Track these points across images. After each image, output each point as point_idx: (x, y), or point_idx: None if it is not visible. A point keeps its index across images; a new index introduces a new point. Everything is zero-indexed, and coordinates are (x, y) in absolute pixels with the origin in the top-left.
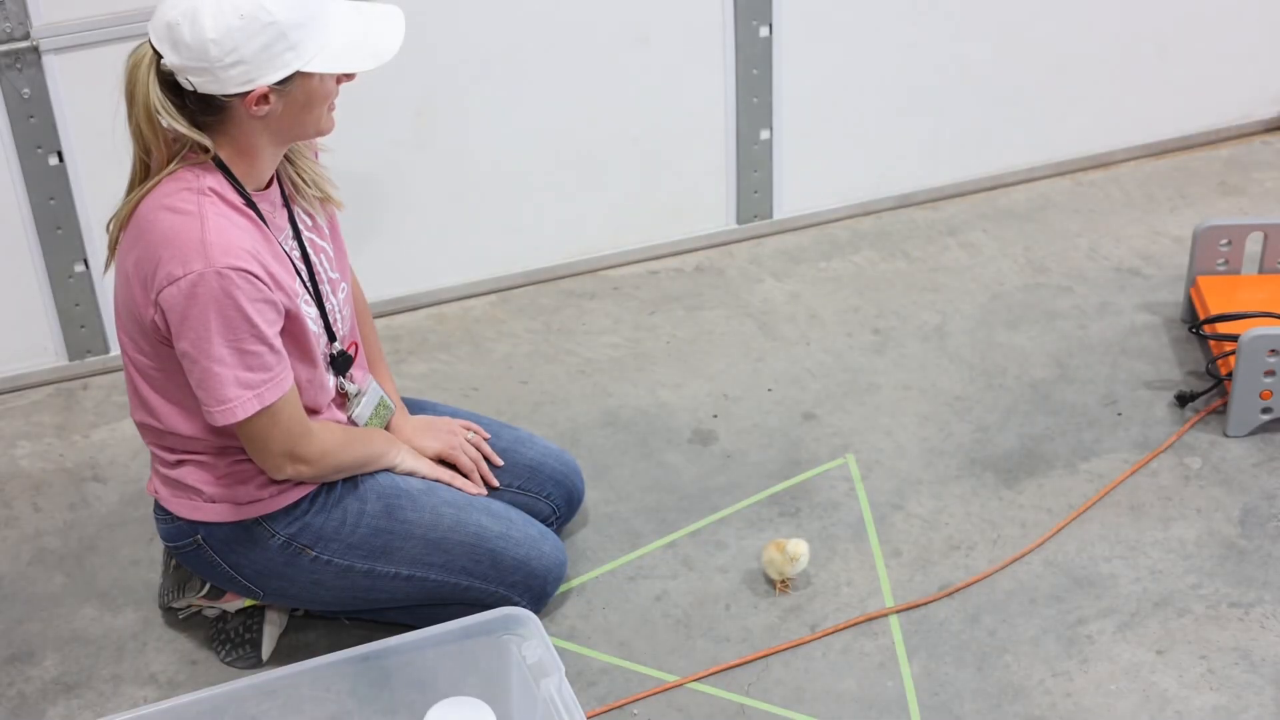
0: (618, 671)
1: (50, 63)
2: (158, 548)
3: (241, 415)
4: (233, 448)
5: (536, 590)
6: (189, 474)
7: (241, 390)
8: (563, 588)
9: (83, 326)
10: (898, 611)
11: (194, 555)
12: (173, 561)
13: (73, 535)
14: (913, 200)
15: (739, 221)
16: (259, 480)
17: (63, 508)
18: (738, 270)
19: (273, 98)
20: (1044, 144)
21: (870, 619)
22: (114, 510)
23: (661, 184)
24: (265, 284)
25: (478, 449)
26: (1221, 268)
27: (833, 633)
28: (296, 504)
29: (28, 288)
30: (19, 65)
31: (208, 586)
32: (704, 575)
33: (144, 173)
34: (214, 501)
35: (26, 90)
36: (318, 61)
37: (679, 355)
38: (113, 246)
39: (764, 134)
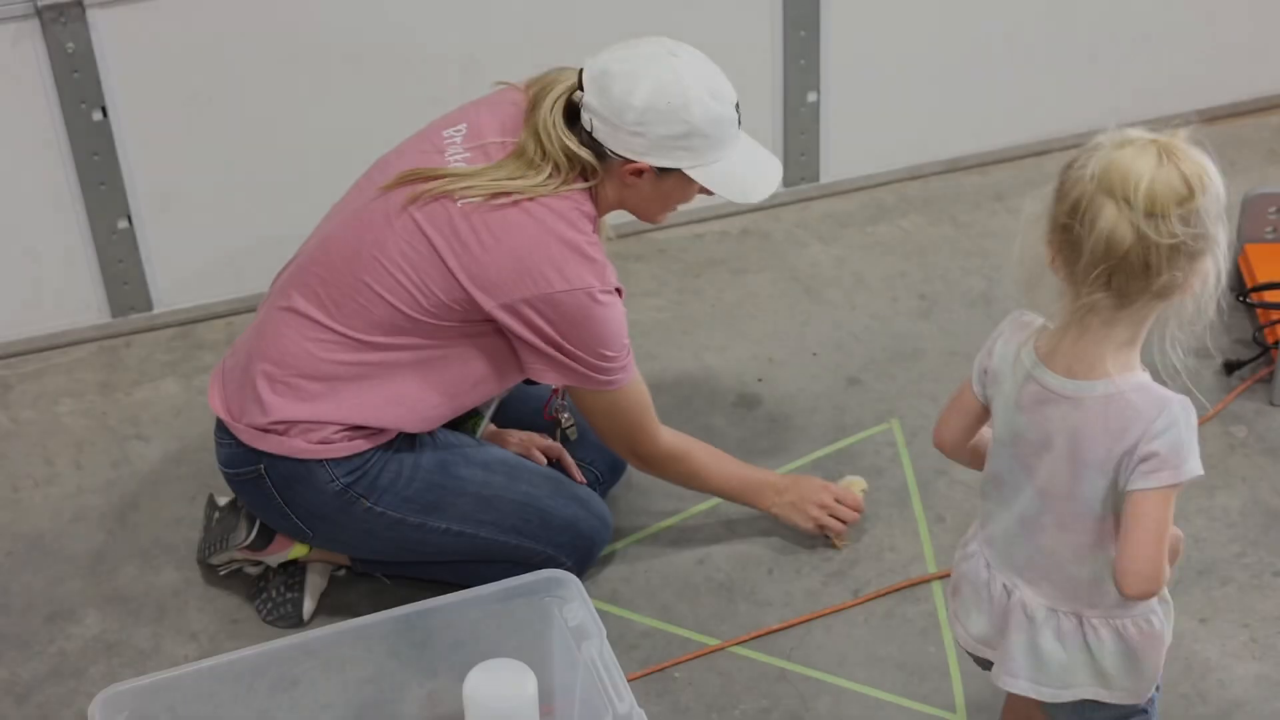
0: (659, 635)
1: (95, 17)
2: (199, 506)
3: (626, 379)
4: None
5: (583, 551)
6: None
7: (617, 364)
8: (605, 551)
9: (126, 283)
10: (941, 577)
11: (251, 485)
12: (215, 515)
13: (114, 493)
14: (961, 165)
15: (785, 185)
16: (339, 426)
17: (105, 465)
18: (784, 234)
19: (647, 176)
20: (1092, 109)
21: (913, 584)
22: (156, 468)
23: None
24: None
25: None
26: (1270, 236)
27: (875, 598)
28: (360, 454)
29: (71, 244)
30: (64, 19)
31: (252, 536)
32: (746, 539)
33: (533, 176)
34: (286, 434)
35: (71, 45)
36: (699, 172)
37: (724, 318)
38: (435, 195)
39: (811, 97)
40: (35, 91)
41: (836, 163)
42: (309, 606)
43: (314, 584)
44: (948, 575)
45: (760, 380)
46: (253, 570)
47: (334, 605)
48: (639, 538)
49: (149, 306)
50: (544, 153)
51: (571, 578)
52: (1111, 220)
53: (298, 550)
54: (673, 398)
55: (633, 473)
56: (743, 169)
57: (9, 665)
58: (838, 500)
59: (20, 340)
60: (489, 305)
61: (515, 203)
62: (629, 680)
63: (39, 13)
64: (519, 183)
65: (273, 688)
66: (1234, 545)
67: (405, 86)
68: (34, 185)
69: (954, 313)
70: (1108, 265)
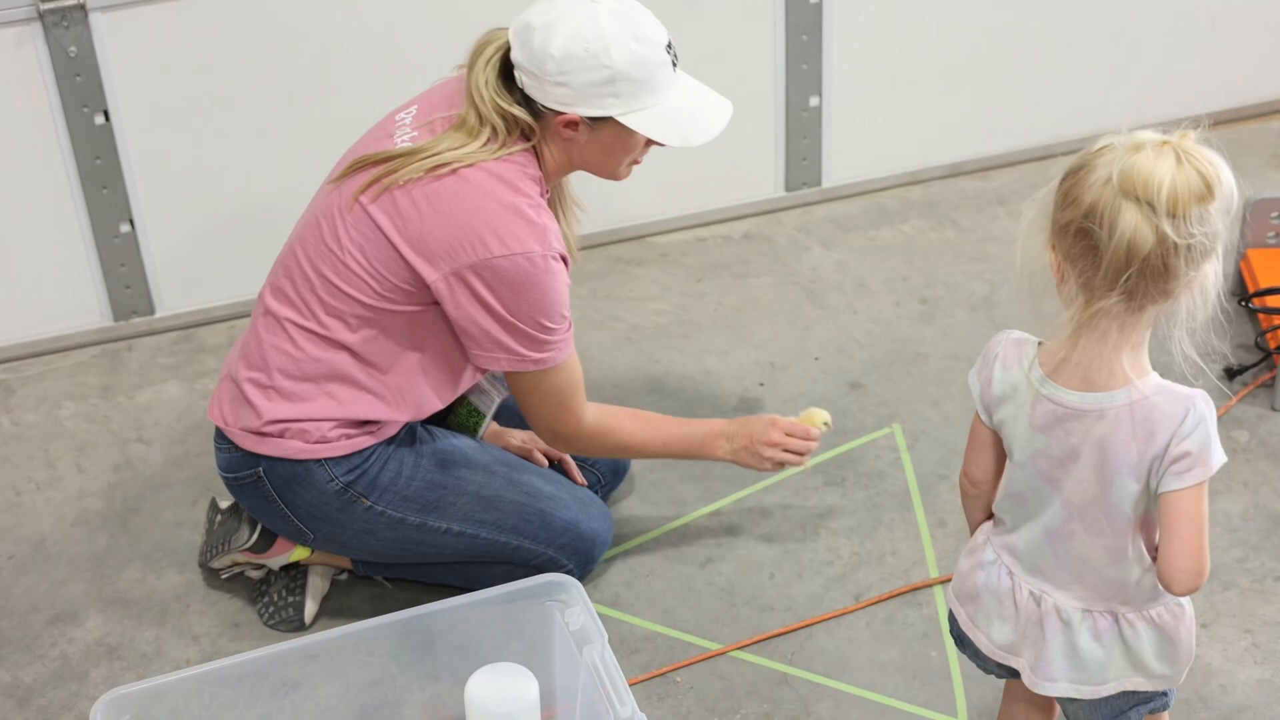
0: (660, 639)
1: (97, 21)
2: (201, 510)
3: (560, 359)
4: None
5: (584, 553)
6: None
7: (552, 343)
8: (607, 555)
9: (128, 287)
10: (942, 582)
11: (251, 489)
12: (217, 518)
13: (116, 496)
14: (962, 169)
15: (787, 189)
16: (337, 422)
17: (107, 469)
18: (786, 238)
19: (582, 128)
20: (1095, 114)
21: (915, 589)
22: (158, 472)
23: (710, 150)
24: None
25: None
26: (1272, 240)
27: (877, 602)
28: (359, 451)
29: (73, 248)
30: (66, 23)
31: (253, 539)
32: (748, 544)
33: (475, 141)
34: (284, 436)
35: (73, 49)
36: (632, 118)
37: (726, 323)
38: (379, 178)
39: (813, 101)
40: (37, 95)
41: (838, 167)
42: (310, 610)
43: (316, 587)
44: (949, 580)
45: (762, 384)
46: (254, 574)
47: (336, 609)
48: (640, 542)
49: (151, 310)
50: (480, 117)
51: (573, 582)
52: (1133, 223)
53: (299, 553)
54: (675, 402)
55: (635, 476)
56: (681, 112)
57: (11, 668)
58: (788, 434)
59: (22, 344)
60: (432, 278)
61: (454, 171)
62: (630, 684)
63: (41, 16)
64: (458, 151)
65: (274, 691)
66: (1236, 550)
67: (408, 89)
68: (36, 189)
69: (956, 317)
70: (1129, 269)
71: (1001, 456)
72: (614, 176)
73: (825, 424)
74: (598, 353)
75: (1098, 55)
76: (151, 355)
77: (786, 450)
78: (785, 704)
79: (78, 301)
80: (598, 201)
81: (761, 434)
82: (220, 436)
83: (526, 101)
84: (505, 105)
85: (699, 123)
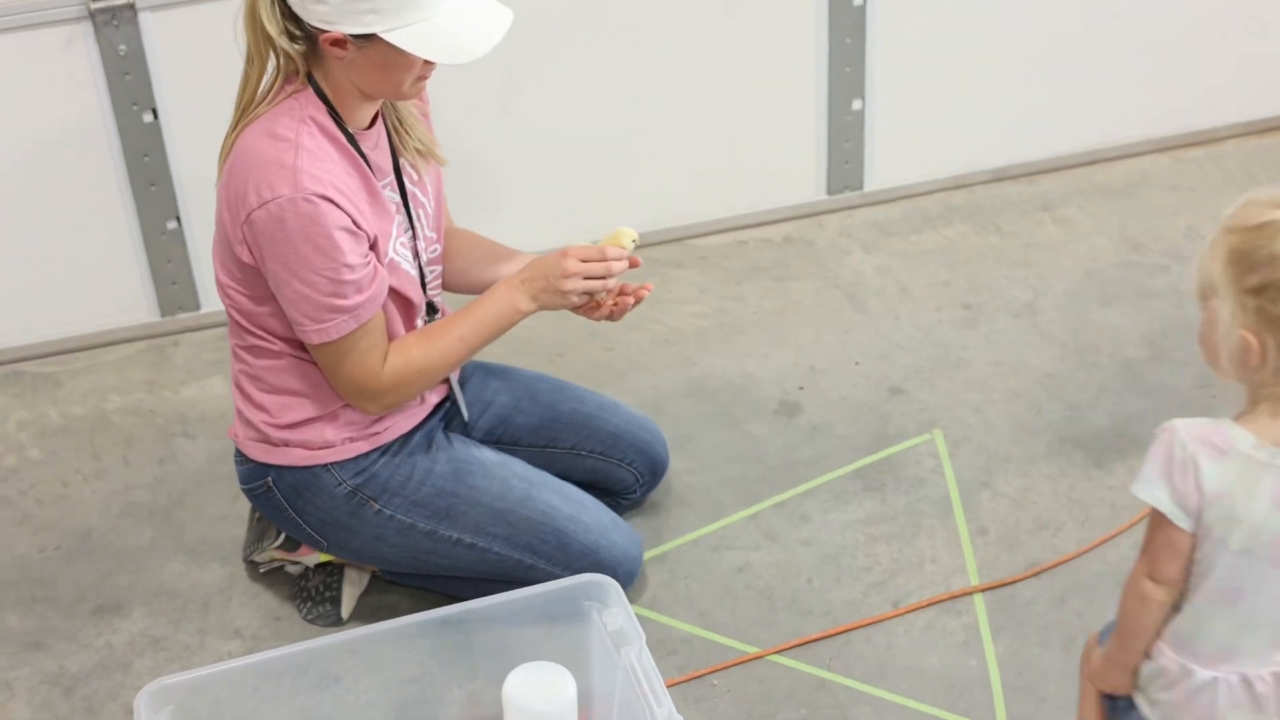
0: (698, 641)
1: (146, 20)
2: (244, 504)
3: (335, 335)
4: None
5: None
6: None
7: (334, 314)
8: (646, 555)
9: (174, 283)
10: (983, 590)
11: (265, 498)
12: (255, 515)
13: (161, 490)
14: (1007, 174)
15: (829, 192)
16: (337, 423)
17: (152, 462)
18: (827, 242)
19: (349, 46)
20: (1143, 119)
21: (954, 597)
22: (202, 466)
23: (751, 154)
24: (349, 214)
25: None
26: None
27: (916, 609)
28: (366, 454)
29: (121, 244)
30: (116, 22)
31: (283, 536)
32: (787, 548)
33: (249, 91)
34: (287, 445)
35: (123, 47)
36: (396, 34)
37: (766, 326)
38: (221, 164)
39: (856, 104)
40: (87, 93)
41: (881, 171)
42: (347, 606)
43: (352, 584)
44: (990, 588)
45: (802, 388)
46: (293, 569)
47: (376, 605)
48: (679, 544)
49: (197, 306)
50: (252, 53)
51: (612, 583)
52: None
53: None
54: (714, 404)
55: (673, 478)
56: (450, 27)
57: (57, 657)
58: (584, 259)
59: (70, 338)
60: (237, 251)
61: (234, 142)
62: (668, 686)
63: (91, 15)
64: (236, 118)
65: (315, 685)
66: None
67: (453, 83)
68: (85, 186)
69: (999, 323)
70: None
71: (1188, 561)
72: (401, 97)
73: (633, 240)
74: (636, 354)
75: (1145, 60)
76: (197, 351)
77: (587, 278)
78: (823, 709)
79: (125, 297)
80: (636, 203)
81: (556, 269)
82: (237, 451)
83: (298, 25)
84: (274, 34)
85: (471, 36)
